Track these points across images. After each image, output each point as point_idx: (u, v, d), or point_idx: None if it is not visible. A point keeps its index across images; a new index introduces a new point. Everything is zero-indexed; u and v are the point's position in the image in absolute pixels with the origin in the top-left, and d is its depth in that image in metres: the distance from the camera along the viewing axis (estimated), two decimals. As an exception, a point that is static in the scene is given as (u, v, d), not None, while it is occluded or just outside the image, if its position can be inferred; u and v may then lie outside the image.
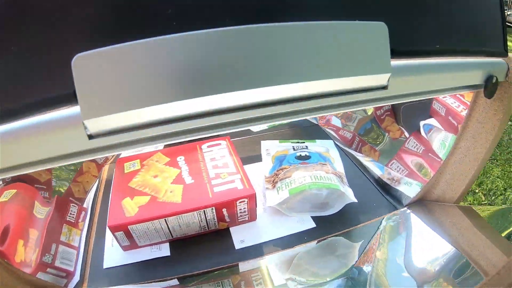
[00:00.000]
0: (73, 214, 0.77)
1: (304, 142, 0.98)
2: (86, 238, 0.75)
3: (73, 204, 0.79)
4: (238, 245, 0.73)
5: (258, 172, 0.91)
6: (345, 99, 0.39)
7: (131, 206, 0.68)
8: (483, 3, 0.50)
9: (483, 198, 1.88)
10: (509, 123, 2.28)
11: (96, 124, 0.30)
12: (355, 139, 1.10)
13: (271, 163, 0.90)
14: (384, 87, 0.40)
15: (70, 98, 0.29)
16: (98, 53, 0.28)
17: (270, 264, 0.67)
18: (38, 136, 0.30)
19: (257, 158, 0.96)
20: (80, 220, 0.77)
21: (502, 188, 1.94)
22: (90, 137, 0.31)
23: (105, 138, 0.32)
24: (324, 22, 0.34)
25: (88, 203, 0.85)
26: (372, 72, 0.37)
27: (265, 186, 0.85)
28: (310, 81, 0.34)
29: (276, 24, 0.32)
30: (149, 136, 0.33)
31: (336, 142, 1.05)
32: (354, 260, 0.70)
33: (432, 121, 0.89)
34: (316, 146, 0.96)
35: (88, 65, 0.28)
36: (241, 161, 0.83)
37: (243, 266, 0.68)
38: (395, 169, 0.93)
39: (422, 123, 0.91)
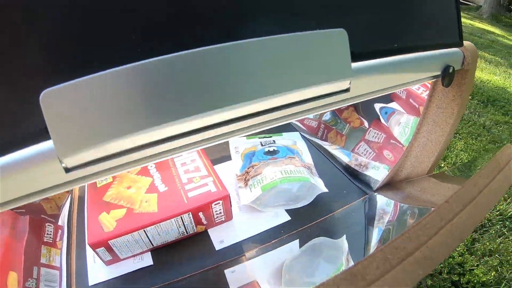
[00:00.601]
0: (50, 234, 0.76)
1: (271, 137, 1.00)
2: (67, 257, 0.75)
3: (48, 223, 0.78)
4: (218, 246, 0.75)
5: (229, 171, 0.93)
6: (308, 106, 0.40)
7: (108, 221, 0.69)
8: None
9: (449, 172, 1.96)
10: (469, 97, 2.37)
11: (72, 159, 0.31)
12: (320, 127, 1.13)
13: (241, 161, 0.92)
14: (346, 90, 0.42)
15: (42, 134, 0.30)
16: (66, 87, 0.28)
17: (262, 284, 0.69)
18: (11, 175, 0.30)
19: (227, 157, 0.98)
20: (58, 239, 0.77)
21: (466, 161, 2.02)
22: (67, 170, 0.32)
23: (82, 169, 0.32)
24: (285, 35, 0.35)
25: (63, 220, 0.84)
26: (334, 79, 0.39)
27: (237, 184, 0.87)
28: (273, 95, 0.35)
29: (236, 42, 0.33)
30: (125, 162, 0.34)
31: (302, 133, 1.07)
32: (342, 257, 0.72)
33: (393, 105, 0.93)
34: (283, 140, 0.99)
35: (57, 100, 0.28)
36: (211, 162, 0.85)
37: (232, 280, 0.69)
38: (362, 152, 0.97)
39: (381, 106, 0.95)
